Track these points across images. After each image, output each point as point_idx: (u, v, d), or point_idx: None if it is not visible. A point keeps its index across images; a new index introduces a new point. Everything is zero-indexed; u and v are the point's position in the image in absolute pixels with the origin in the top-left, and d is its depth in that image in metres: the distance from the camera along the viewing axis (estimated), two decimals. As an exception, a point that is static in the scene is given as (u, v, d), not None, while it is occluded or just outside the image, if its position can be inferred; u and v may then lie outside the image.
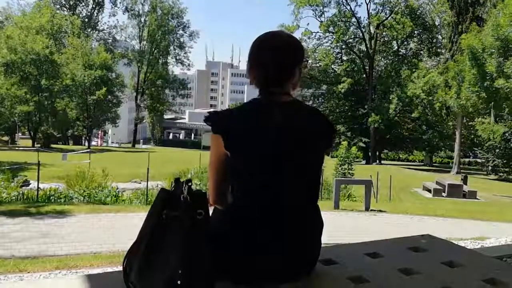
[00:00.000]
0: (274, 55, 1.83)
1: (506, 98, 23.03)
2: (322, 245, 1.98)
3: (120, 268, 1.69)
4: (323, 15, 51.18)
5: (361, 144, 46.31)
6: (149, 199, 12.83)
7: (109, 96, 48.39)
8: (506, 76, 21.02)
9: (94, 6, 60.15)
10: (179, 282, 1.55)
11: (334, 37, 50.90)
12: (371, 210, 13.09)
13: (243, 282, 1.76)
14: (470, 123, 35.85)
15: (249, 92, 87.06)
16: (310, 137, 1.84)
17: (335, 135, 1.99)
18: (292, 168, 1.79)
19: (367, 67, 50.79)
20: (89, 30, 56.99)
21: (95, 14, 60.80)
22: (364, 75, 51.08)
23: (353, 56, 52.38)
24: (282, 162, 1.78)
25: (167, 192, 1.69)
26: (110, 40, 60.92)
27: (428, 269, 2.07)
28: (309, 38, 51.62)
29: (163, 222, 1.61)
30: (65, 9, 56.87)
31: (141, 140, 69.12)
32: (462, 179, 23.66)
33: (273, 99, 1.83)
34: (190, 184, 1.64)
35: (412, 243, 2.43)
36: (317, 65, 51.88)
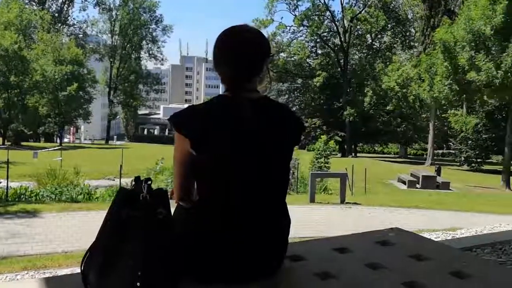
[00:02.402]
0: (241, 50, 1.80)
1: (477, 91, 23.41)
2: (291, 241, 1.96)
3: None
4: (297, 8, 51.28)
5: (337, 138, 46.62)
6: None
7: (81, 92, 47.59)
8: (477, 69, 21.33)
9: (64, 0, 58.94)
10: (138, 284, 1.50)
11: (309, 30, 51.04)
12: (347, 202, 13.18)
13: (209, 282, 1.73)
14: (443, 115, 36.36)
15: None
16: (278, 135, 1.81)
17: (304, 132, 1.95)
18: (259, 166, 1.77)
19: (341, 61, 51.08)
20: (59, 25, 55.77)
21: (65, 9, 59.59)
22: (339, 69, 51.38)
23: (328, 50, 52.61)
24: (248, 160, 1.75)
25: (126, 191, 1.65)
26: (81, 35, 59.72)
27: (394, 263, 2.06)
28: (283, 32, 51.74)
29: (122, 222, 1.56)
30: (34, 3, 55.62)
31: (115, 136, 68.32)
32: (435, 171, 24.04)
33: (240, 95, 1.79)
34: (149, 182, 1.60)
35: (380, 237, 2.43)
36: (292, 59, 52.01)
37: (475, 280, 1.91)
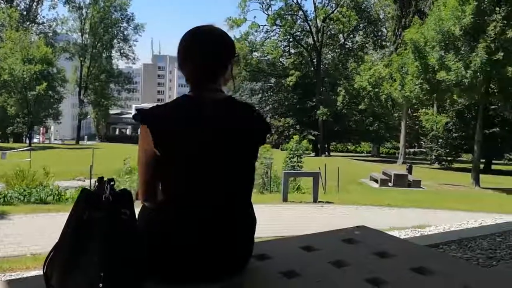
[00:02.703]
0: (206, 50, 1.81)
1: (447, 90, 23.84)
2: (257, 240, 1.98)
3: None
4: (270, 8, 51.47)
5: (310, 137, 46.90)
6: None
7: (50, 92, 46.72)
8: (447, 68, 21.71)
9: (33, -2, 57.89)
10: (101, 285, 1.49)
11: (282, 30, 51.28)
12: (319, 201, 13.26)
13: (174, 282, 1.73)
14: (414, 114, 36.94)
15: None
16: (242, 136, 1.82)
17: (269, 132, 1.97)
18: (223, 166, 1.78)
19: (314, 60, 51.41)
20: (28, 23, 54.66)
21: (34, 7, 58.29)
22: (312, 68, 51.71)
23: (301, 49, 52.90)
24: (212, 161, 1.76)
25: (89, 192, 1.64)
26: (51, 34, 58.39)
27: (359, 260, 2.09)
28: (256, 31, 51.84)
29: (85, 223, 1.55)
30: (1, 1, 54.44)
31: (86, 136, 67.34)
32: (407, 169, 24.36)
33: (204, 95, 1.79)
34: (112, 183, 1.59)
35: (346, 235, 2.45)
36: (265, 58, 52.16)
37: (437, 276, 1.94)
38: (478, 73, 21.33)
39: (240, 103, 1.94)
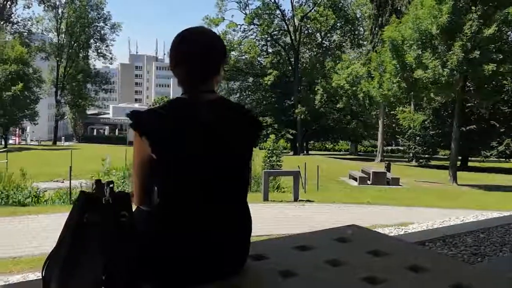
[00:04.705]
0: (197, 52, 1.81)
1: (424, 88, 24.10)
2: (251, 240, 1.97)
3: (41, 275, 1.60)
4: (247, 7, 51.64)
5: (289, 136, 47.12)
6: (72, 198, 12.39)
7: (26, 92, 46.18)
8: (424, 67, 21.95)
9: (6, -3, 56.87)
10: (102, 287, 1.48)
11: (259, 29, 51.42)
12: (300, 200, 13.30)
13: (171, 284, 1.72)
14: (392, 113, 37.29)
15: (176, 86, 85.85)
16: (238, 136, 1.84)
17: (261, 131, 1.99)
18: (220, 168, 1.78)
19: (292, 59, 51.66)
20: (1, 22, 53.78)
21: (8, 6, 57.33)
22: (290, 67, 51.93)
23: (279, 48, 53.10)
24: (209, 163, 1.76)
25: (88, 194, 1.61)
26: (26, 33, 57.58)
27: (354, 260, 2.11)
28: (234, 30, 51.99)
29: (84, 226, 1.54)
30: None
31: (63, 137, 66.50)
32: (385, 167, 24.56)
33: (199, 97, 1.80)
34: (112, 185, 1.57)
35: (339, 234, 2.47)
36: (243, 57, 52.17)
37: (430, 274, 1.98)
38: (455, 71, 21.64)
39: (233, 103, 1.95)
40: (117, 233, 1.54)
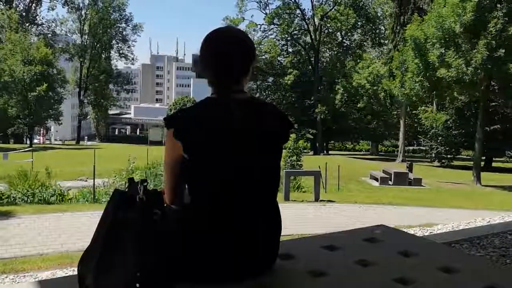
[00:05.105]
0: (229, 52, 1.82)
1: (447, 87, 23.79)
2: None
3: (74, 271, 1.62)
4: (267, 7, 51.64)
5: (309, 135, 46.98)
6: (96, 197, 12.55)
7: (51, 93, 46.90)
8: (447, 65, 21.66)
9: (31, -1, 57.99)
10: (138, 285, 1.50)
11: (279, 29, 51.33)
12: (321, 200, 13.24)
13: (203, 282, 1.74)
14: (413, 112, 36.86)
15: (195, 86, 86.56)
16: (269, 136, 1.85)
17: (291, 130, 1.99)
18: (249, 166, 1.79)
19: (312, 59, 51.46)
20: (27, 24, 54.81)
21: (33, 8, 58.53)
22: (310, 67, 51.75)
23: (299, 48, 52.94)
24: (239, 161, 1.77)
25: (122, 192, 1.64)
26: (50, 35, 58.68)
27: (384, 260, 2.10)
28: (254, 30, 51.90)
29: (119, 224, 1.56)
30: (1, 3, 54.51)
31: (86, 137, 67.54)
32: (407, 167, 24.31)
33: (230, 97, 1.81)
34: (145, 184, 1.60)
35: (367, 234, 2.46)
36: (263, 57, 52.14)
37: (462, 274, 1.96)
38: (479, 70, 21.31)
39: (262, 103, 1.97)
40: (151, 231, 1.55)
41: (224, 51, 1.82)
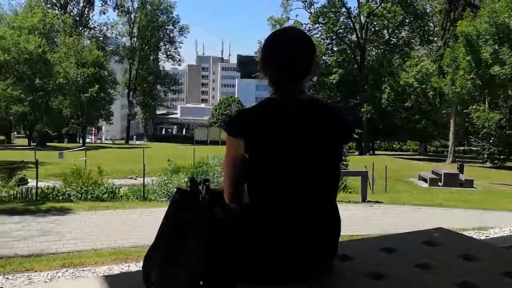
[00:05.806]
0: (290, 53, 1.83)
1: (501, 85, 23.01)
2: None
3: (128, 267, 1.69)
4: (312, 6, 51.41)
5: (354, 135, 46.40)
6: (145, 195, 12.87)
7: (102, 94, 48.67)
8: (501, 62, 20.94)
9: (84, 4, 59.91)
10: (201, 283, 1.53)
11: (324, 28, 50.95)
12: (368, 201, 13.12)
13: (263, 282, 1.75)
14: (464, 111, 35.80)
15: (240, 86, 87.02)
16: (327, 135, 1.84)
17: (353, 131, 2.00)
18: (309, 167, 1.79)
19: (358, 57, 50.83)
20: (80, 28, 56.76)
21: (86, 12, 60.58)
22: (356, 66, 51.13)
23: (344, 47, 52.39)
24: (299, 161, 1.77)
25: (184, 192, 1.68)
26: (101, 38, 60.78)
27: (445, 263, 2.06)
28: (298, 30, 51.56)
29: (182, 222, 1.60)
30: (56, 7, 56.55)
31: (134, 136, 69.04)
32: (458, 168, 23.66)
33: (291, 98, 1.82)
34: (207, 183, 1.63)
35: (425, 237, 2.41)
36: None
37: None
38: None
39: (323, 103, 1.97)
40: (214, 231, 1.58)
41: (286, 52, 1.82)
